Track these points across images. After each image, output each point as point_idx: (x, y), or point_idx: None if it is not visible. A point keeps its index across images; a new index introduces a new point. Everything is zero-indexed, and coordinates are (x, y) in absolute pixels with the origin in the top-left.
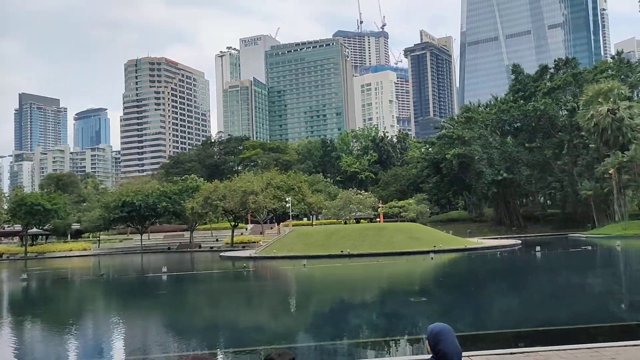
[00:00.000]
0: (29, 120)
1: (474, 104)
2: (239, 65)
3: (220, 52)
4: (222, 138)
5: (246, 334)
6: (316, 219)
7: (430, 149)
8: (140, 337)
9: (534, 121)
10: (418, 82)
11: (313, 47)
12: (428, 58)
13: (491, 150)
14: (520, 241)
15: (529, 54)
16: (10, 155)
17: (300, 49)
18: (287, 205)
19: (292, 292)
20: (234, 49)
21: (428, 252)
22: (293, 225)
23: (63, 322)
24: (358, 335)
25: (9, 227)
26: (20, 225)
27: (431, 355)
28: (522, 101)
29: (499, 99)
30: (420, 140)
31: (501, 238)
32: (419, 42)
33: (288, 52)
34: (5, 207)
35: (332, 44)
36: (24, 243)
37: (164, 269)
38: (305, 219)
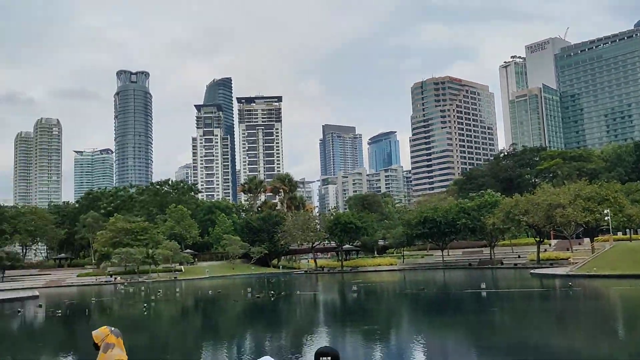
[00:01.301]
0: (331, 148)
1: None
2: (525, 74)
3: (504, 62)
4: (516, 150)
5: None
6: (634, 233)
7: None
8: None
9: None
10: None
11: (611, 42)
12: None
13: None
14: None
15: None
16: (319, 180)
17: (596, 47)
18: (606, 219)
19: None
20: (519, 57)
21: None
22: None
23: (442, 329)
24: None
25: (327, 244)
26: (333, 242)
27: None
28: None
29: None
30: None
31: None
32: None
33: (581, 51)
34: (319, 226)
35: (635, 35)
36: (340, 258)
37: (483, 285)
38: (619, 234)
